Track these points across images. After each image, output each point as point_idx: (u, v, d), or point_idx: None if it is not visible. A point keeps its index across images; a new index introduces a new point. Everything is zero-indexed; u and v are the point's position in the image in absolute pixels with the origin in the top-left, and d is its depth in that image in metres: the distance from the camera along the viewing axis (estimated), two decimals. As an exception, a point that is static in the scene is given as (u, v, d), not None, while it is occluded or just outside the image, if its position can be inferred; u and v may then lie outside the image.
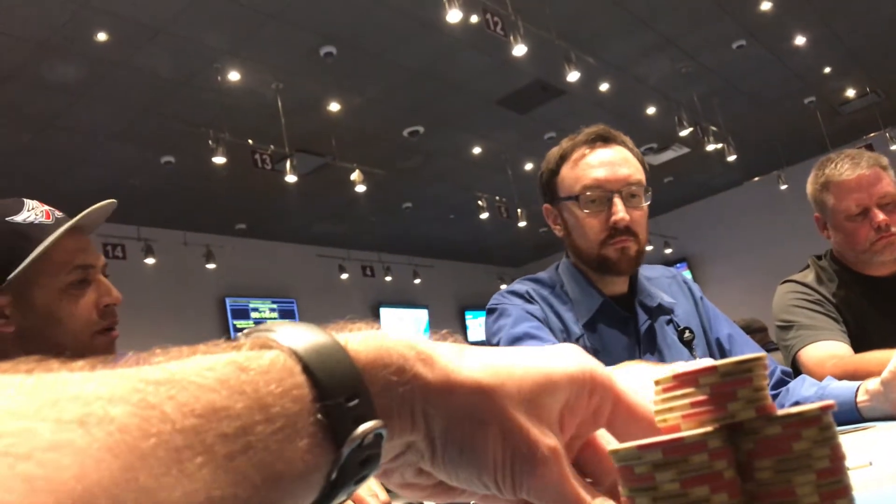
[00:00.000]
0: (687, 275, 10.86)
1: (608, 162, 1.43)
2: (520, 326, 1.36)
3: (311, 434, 0.28)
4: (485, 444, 0.33)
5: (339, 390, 0.29)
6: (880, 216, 1.77)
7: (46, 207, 1.19)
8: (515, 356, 0.36)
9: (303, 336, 0.31)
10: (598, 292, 1.46)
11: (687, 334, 1.41)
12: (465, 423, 0.33)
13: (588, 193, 1.41)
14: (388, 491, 0.94)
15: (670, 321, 1.47)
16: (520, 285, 1.50)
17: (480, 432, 0.33)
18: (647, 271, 1.57)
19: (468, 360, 0.34)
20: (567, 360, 0.37)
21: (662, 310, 1.48)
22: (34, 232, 1.13)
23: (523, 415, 0.34)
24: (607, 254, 1.41)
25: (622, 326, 1.44)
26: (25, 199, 1.18)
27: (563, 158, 1.48)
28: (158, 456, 0.23)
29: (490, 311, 1.48)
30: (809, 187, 1.94)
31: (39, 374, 0.24)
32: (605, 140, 1.46)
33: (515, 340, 1.34)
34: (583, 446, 0.39)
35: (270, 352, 0.29)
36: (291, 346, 0.30)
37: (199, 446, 0.24)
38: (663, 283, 1.56)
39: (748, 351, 1.50)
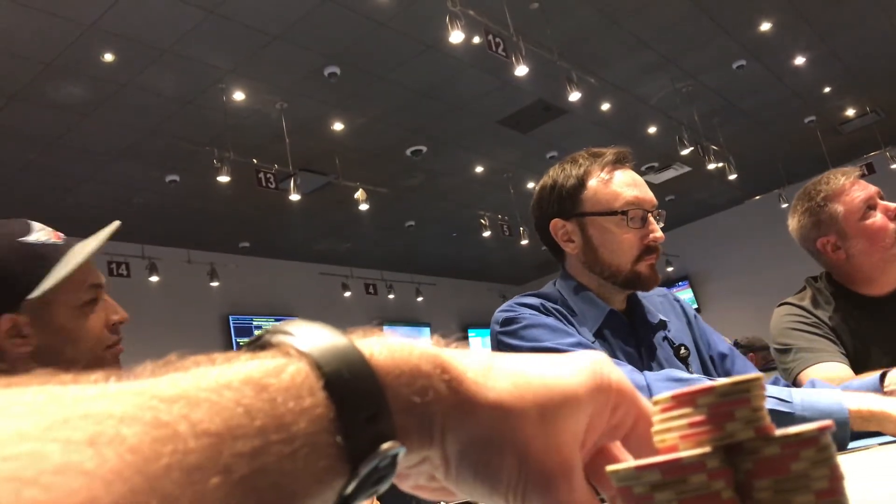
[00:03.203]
0: (688, 293, 10.76)
1: (641, 182, 1.47)
2: (566, 339, 1.32)
3: (329, 455, 0.28)
4: (499, 469, 0.33)
5: (360, 409, 0.29)
6: (893, 205, 1.78)
7: (48, 228, 1.20)
8: (540, 369, 0.36)
9: (325, 344, 0.30)
10: (604, 304, 1.47)
11: (682, 351, 1.43)
12: (482, 448, 0.33)
13: (631, 210, 1.43)
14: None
15: (665, 338, 1.48)
16: (530, 299, 1.45)
17: (496, 458, 0.33)
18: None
19: (493, 378, 0.34)
20: (592, 372, 0.36)
21: (658, 326, 1.49)
22: (49, 252, 1.14)
23: (542, 436, 0.33)
24: (640, 269, 1.43)
25: (626, 338, 1.46)
26: (28, 220, 1.18)
27: (587, 174, 1.47)
28: (172, 477, 0.22)
29: (510, 321, 1.39)
30: (802, 220, 1.90)
31: (51, 390, 0.23)
32: (629, 161, 1.49)
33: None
34: (596, 452, 0.38)
35: (290, 365, 0.28)
36: (313, 355, 0.29)
37: (214, 467, 0.24)
38: (655, 301, 1.57)
39: (748, 370, 1.50)
